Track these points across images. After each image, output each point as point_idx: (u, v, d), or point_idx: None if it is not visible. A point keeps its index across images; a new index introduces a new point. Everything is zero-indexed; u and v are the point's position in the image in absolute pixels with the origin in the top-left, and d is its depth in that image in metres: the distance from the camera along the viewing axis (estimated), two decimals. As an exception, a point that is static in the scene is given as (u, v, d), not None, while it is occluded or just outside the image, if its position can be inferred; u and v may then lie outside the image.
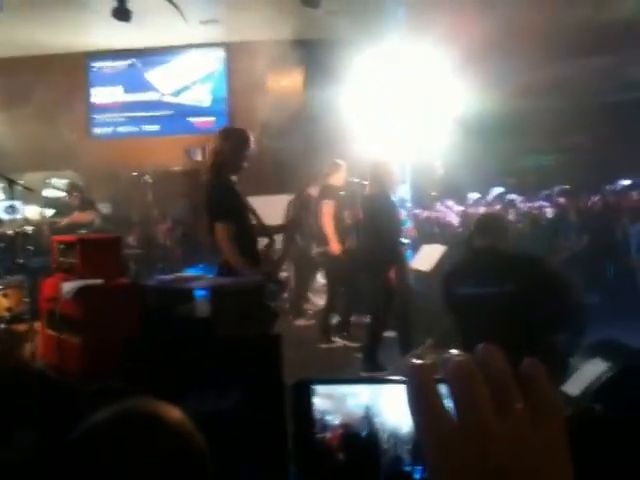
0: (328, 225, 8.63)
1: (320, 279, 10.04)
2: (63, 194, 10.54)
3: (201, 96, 13.71)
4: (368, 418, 0.95)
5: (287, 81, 12.91)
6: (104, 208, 10.96)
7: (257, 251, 5.45)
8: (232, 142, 5.46)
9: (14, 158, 10.64)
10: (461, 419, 0.58)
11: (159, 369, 3.96)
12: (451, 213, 11.64)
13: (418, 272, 8.43)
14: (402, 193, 9.54)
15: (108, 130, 13.70)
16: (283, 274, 10.46)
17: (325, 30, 11.21)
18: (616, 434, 2.48)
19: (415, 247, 9.00)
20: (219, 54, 13.57)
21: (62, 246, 6.86)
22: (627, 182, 12.07)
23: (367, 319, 8.65)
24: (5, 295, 7.27)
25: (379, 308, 7.65)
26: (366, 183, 8.07)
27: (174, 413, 1.37)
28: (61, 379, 1.91)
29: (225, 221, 5.22)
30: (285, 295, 10.15)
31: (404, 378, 0.61)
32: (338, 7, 10.42)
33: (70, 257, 6.63)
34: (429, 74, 9.27)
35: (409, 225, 9.28)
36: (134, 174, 11.63)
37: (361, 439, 0.95)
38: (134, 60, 13.56)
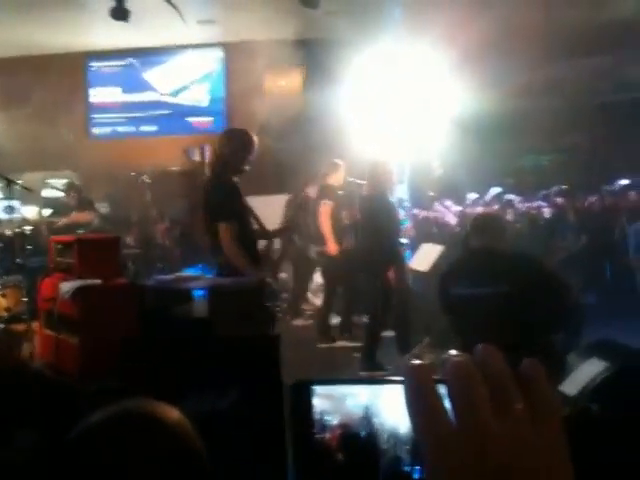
0: (325, 225, 8.63)
1: (318, 279, 10.04)
2: (62, 194, 10.54)
3: (199, 96, 13.71)
4: (367, 418, 0.95)
5: (285, 81, 12.91)
6: (102, 208, 10.95)
7: (258, 251, 5.46)
8: (235, 143, 5.48)
9: (13, 158, 10.63)
10: (460, 419, 0.58)
11: (158, 369, 3.97)
12: (449, 213, 11.64)
13: (416, 272, 8.43)
14: (400, 193, 9.55)
15: (107, 130, 13.70)
16: (282, 274, 10.49)
17: (323, 30, 11.21)
18: (612, 434, 2.48)
19: (413, 247, 9.00)
20: (217, 54, 13.57)
21: (60, 246, 6.86)
22: (625, 182, 12.07)
23: (365, 319, 8.67)
24: (3, 295, 7.27)
25: (378, 308, 7.65)
26: (364, 183, 8.08)
27: (172, 413, 1.37)
28: (61, 379, 1.92)
29: (228, 221, 5.23)
30: (284, 295, 10.17)
31: (403, 378, 0.61)
32: (336, 7, 10.42)
33: (68, 257, 6.62)
34: (427, 74, 9.27)
35: (407, 224, 9.28)
36: (132, 174, 11.63)
37: (360, 439, 0.96)
38: (132, 60, 13.56)
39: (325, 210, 8.64)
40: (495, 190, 12.57)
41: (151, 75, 13.65)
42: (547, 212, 11.99)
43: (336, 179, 8.84)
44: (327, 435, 0.95)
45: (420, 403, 0.59)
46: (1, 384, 1.75)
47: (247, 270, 5.17)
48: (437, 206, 11.78)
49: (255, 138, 5.55)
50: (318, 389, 0.94)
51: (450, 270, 5.47)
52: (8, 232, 8.32)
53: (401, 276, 7.89)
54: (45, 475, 1.42)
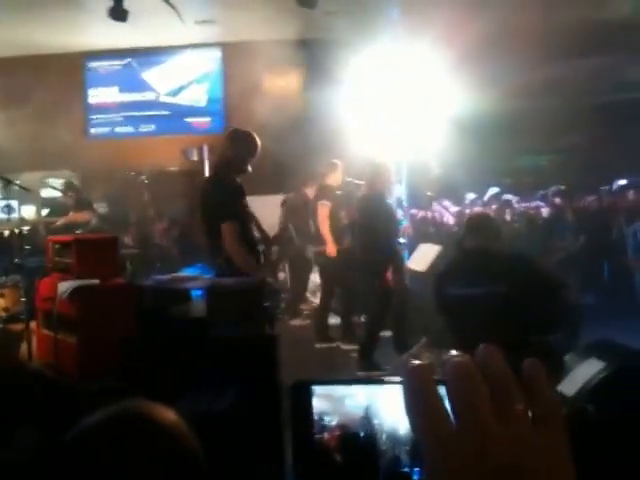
0: (324, 226, 8.62)
1: (316, 279, 10.04)
2: (60, 194, 10.54)
3: (198, 96, 13.70)
4: (366, 419, 0.95)
5: (284, 81, 12.91)
6: (101, 208, 10.95)
7: (259, 251, 5.47)
8: (239, 144, 5.50)
9: (11, 158, 10.62)
10: (460, 420, 0.58)
11: (156, 369, 3.97)
12: (447, 213, 11.65)
13: (414, 272, 8.44)
14: (398, 193, 9.55)
15: (105, 130, 13.68)
16: (280, 274, 10.50)
17: (322, 30, 11.21)
18: (607, 435, 2.49)
19: (411, 247, 9.01)
20: (215, 54, 13.57)
21: (58, 246, 6.86)
22: (623, 182, 12.08)
23: (363, 319, 8.67)
24: (2, 295, 7.28)
25: (377, 308, 7.65)
26: (362, 183, 8.09)
27: (169, 415, 1.37)
28: (61, 379, 1.92)
29: (231, 221, 5.24)
30: (282, 295, 10.18)
31: (402, 379, 0.61)
32: (335, 7, 10.42)
33: (66, 257, 6.62)
34: (425, 74, 9.27)
35: (405, 223, 9.29)
36: (131, 174, 11.63)
37: (359, 440, 0.96)
38: (131, 60, 13.55)
39: (323, 211, 8.63)
40: (493, 190, 12.58)
41: (149, 75, 13.64)
42: (545, 212, 12.00)
43: (334, 179, 8.83)
44: (326, 435, 0.95)
45: (420, 404, 0.59)
46: (1, 384, 1.75)
47: (250, 270, 5.18)
48: (435, 206, 11.78)
49: (258, 139, 5.57)
50: (317, 389, 0.94)
51: (445, 270, 5.48)
52: (6, 232, 8.31)
53: (399, 276, 7.90)
54: (45, 475, 1.42)
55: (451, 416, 0.59)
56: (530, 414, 0.60)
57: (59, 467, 1.30)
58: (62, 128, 11.83)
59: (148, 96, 13.66)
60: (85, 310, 6.09)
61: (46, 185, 11.16)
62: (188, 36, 12.48)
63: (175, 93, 13.67)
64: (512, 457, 0.57)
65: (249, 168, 5.54)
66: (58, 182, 11.01)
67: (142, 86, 13.63)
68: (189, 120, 13.64)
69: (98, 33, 11.73)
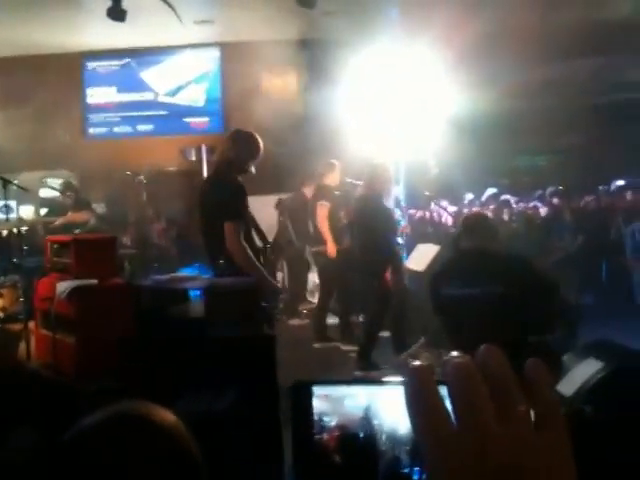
0: (324, 227, 8.61)
1: (315, 279, 10.04)
2: (58, 194, 10.53)
3: (196, 96, 13.69)
4: (366, 419, 0.95)
5: (282, 81, 12.90)
6: (99, 208, 10.94)
7: (258, 251, 5.46)
8: (241, 145, 5.49)
9: (9, 157, 10.61)
10: (460, 420, 0.58)
11: (154, 369, 3.97)
12: (445, 213, 11.66)
13: (412, 272, 8.44)
14: (396, 193, 9.55)
15: (103, 130, 13.67)
16: (278, 274, 10.49)
17: (321, 31, 11.21)
18: (605, 436, 2.49)
19: (409, 247, 9.01)
20: (214, 54, 13.56)
21: (56, 246, 6.86)
22: (621, 182, 12.09)
23: (361, 318, 8.67)
24: (0, 295, 7.27)
25: (376, 308, 7.65)
26: (360, 183, 8.09)
27: (167, 415, 1.37)
28: (60, 379, 1.92)
29: (234, 221, 5.22)
30: (281, 295, 10.17)
31: (403, 379, 0.61)
32: (334, 8, 10.42)
33: (65, 257, 6.62)
34: (423, 75, 9.28)
35: (403, 223, 9.29)
36: (129, 174, 11.63)
37: (359, 440, 0.95)
38: (129, 60, 13.54)
39: (322, 212, 8.62)
40: (491, 190, 12.60)
41: (148, 75, 13.63)
42: (543, 212, 12.01)
43: (332, 179, 8.83)
44: (325, 436, 0.95)
45: (421, 404, 0.60)
46: (0, 384, 1.75)
47: (252, 269, 5.17)
48: (433, 206, 11.80)
49: (260, 141, 5.56)
50: (316, 390, 0.94)
51: (441, 270, 5.48)
52: (4, 232, 8.31)
53: (398, 277, 7.90)
54: (43, 476, 1.42)
55: (452, 416, 0.59)
56: (532, 414, 0.60)
57: (57, 467, 1.30)
58: (60, 128, 11.84)
59: (146, 96, 13.65)
60: (83, 310, 6.09)
61: (44, 185, 11.15)
62: (186, 36, 12.48)
63: (173, 93, 13.66)
64: (512, 457, 0.57)
65: (252, 170, 5.54)
66: (57, 182, 11.01)
67: (140, 86, 13.62)
68: (187, 120, 13.63)
69: (97, 33, 11.73)
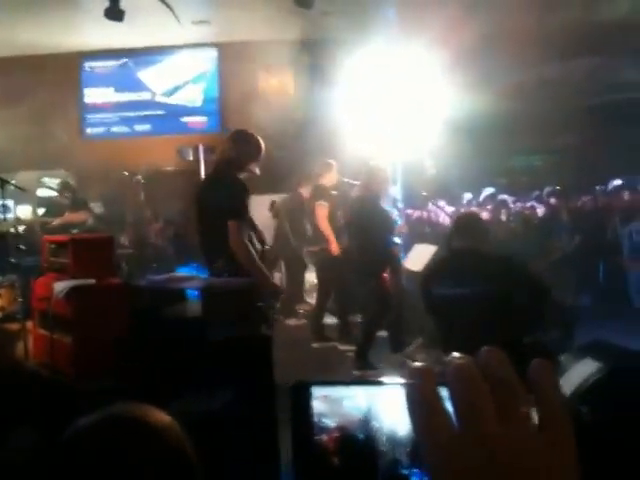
0: (324, 227, 8.59)
1: (312, 279, 10.04)
2: (56, 194, 10.52)
3: (193, 96, 13.68)
4: (365, 421, 0.95)
5: (279, 82, 12.90)
6: (97, 208, 10.93)
7: (257, 252, 5.45)
8: (241, 145, 5.49)
9: (6, 157, 10.60)
10: (462, 422, 0.59)
11: (151, 369, 3.97)
12: (442, 213, 11.66)
13: (410, 272, 8.44)
14: (393, 193, 9.55)
15: (101, 130, 13.65)
16: (276, 274, 10.49)
17: (318, 31, 11.21)
18: (602, 437, 2.49)
19: (407, 247, 9.01)
20: (211, 54, 13.54)
21: (54, 246, 6.86)
22: (618, 182, 12.10)
23: (359, 318, 8.67)
24: (-3, 294, 7.27)
25: (376, 309, 7.65)
26: (357, 183, 8.09)
27: (162, 417, 1.38)
28: (59, 379, 1.93)
29: (239, 219, 5.21)
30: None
31: (403, 381, 0.61)
32: (331, 8, 10.42)
33: (62, 257, 6.62)
34: (420, 75, 9.28)
35: (400, 223, 9.29)
36: (126, 174, 11.61)
37: (358, 442, 0.95)
38: (127, 60, 13.52)
39: (322, 212, 8.61)
40: (489, 190, 12.61)
41: (145, 75, 13.61)
42: (540, 212, 12.02)
43: (329, 179, 8.82)
44: (324, 437, 0.95)
45: (422, 406, 0.60)
46: (0, 384, 1.76)
47: (254, 269, 5.16)
48: (431, 206, 11.80)
49: (262, 142, 5.56)
50: (315, 391, 0.94)
51: (432, 270, 5.49)
52: (2, 231, 8.30)
53: (396, 278, 7.90)
54: (42, 476, 1.43)
55: (453, 418, 0.59)
56: (534, 415, 0.60)
57: (56, 467, 1.30)
58: (58, 128, 11.83)
59: (144, 96, 13.64)
60: (81, 310, 6.09)
61: (42, 185, 11.13)
62: (184, 36, 12.47)
63: (171, 93, 13.64)
64: (513, 458, 0.57)
65: (257, 171, 5.53)
66: (54, 182, 10.99)
67: (138, 86, 13.61)
68: (185, 120, 13.62)
69: (94, 33, 11.71)
